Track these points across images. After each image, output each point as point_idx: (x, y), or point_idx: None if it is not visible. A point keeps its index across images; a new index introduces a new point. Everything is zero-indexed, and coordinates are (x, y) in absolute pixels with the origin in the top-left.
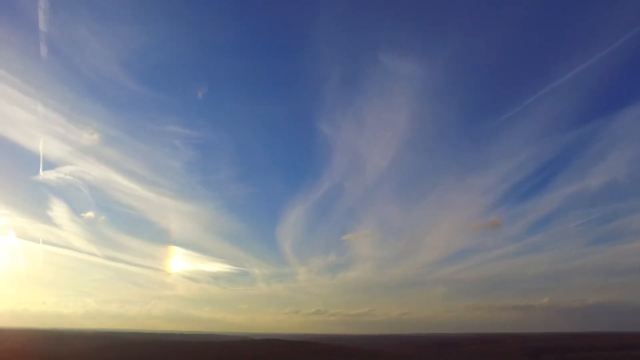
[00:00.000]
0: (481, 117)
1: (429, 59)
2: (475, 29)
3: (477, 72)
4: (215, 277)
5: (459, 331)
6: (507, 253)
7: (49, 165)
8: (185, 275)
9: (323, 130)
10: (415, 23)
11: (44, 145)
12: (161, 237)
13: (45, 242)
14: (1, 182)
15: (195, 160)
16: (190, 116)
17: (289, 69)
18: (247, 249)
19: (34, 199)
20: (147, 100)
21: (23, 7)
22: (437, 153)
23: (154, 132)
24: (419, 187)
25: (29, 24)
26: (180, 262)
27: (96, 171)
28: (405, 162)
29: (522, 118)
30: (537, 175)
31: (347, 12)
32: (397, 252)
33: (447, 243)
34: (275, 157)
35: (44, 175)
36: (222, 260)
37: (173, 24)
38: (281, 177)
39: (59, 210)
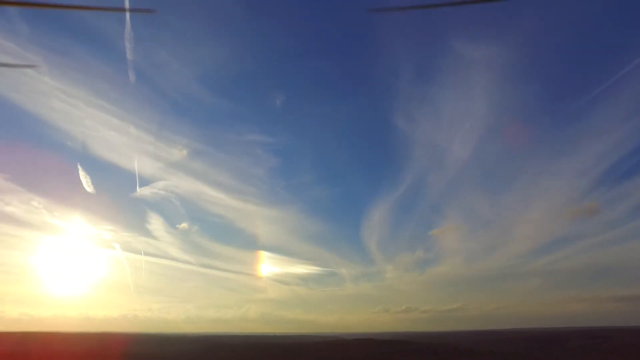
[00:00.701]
0: (566, 96)
1: (504, 40)
2: (552, 1)
3: (557, 49)
4: (304, 279)
5: (560, 325)
6: (608, 240)
7: (144, 181)
8: (275, 278)
9: (400, 125)
10: (485, 3)
11: (138, 163)
12: (250, 243)
13: (146, 254)
14: (105, 200)
15: (276, 166)
16: (268, 123)
17: (360, 66)
18: (333, 250)
19: (134, 214)
20: (227, 112)
21: (112, 40)
22: (520, 137)
23: (235, 143)
24: (504, 174)
25: (118, 55)
26: (269, 266)
27: (186, 184)
28: (488, 150)
29: (611, 94)
30: (635, 154)
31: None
32: (486, 244)
33: (539, 232)
34: (355, 157)
35: (141, 191)
36: (310, 262)
37: (243, 36)
38: (362, 175)
39: (156, 223)
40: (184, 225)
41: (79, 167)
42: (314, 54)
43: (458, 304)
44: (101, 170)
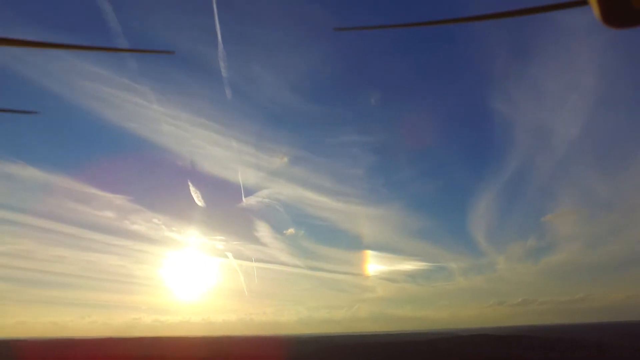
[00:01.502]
0: None
1: None
2: None
3: None
4: (412, 276)
5: None
6: None
7: (249, 191)
8: (383, 276)
9: (499, 109)
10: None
11: (242, 175)
12: (355, 243)
13: (256, 260)
14: (215, 213)
15: (375, 164)
16: (364, 123)
17: (451, 54)
18: (439, 244)
19: (242, 223)
20: (322, 116)
21: (207, 62)
22: (637, 108)
23: (333, 145)
24: (621, 150)
25: (214, 75)
26: (376, 264)
27: (288, 190)
28: (600, 124)
29: None
30: None
31: None
32: (608, 227)
33: None
34: (454, 147)
35: (246, 201)
36: (416, 258)
37: (331, 40)
38: (463, 166)
39: (263, 230)
40: (290, 230)
41: (189, 183)
42: (404, 49)
43: (580, 295)
44: (209, 184)
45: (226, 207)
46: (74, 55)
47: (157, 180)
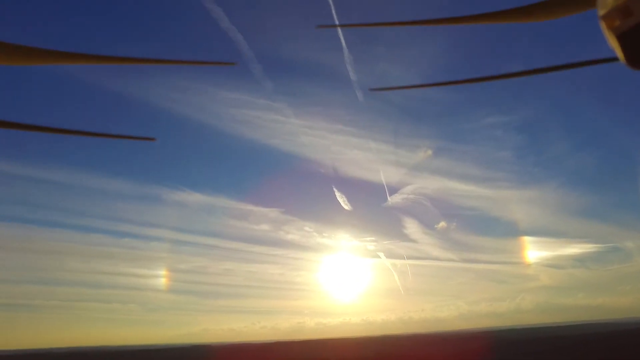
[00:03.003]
0: None
1: None
2: None
3: None
4: (580, 260)
5: None
6: None
7: (392, 190)
8: (546, 263)
9: None
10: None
11: (384, 174)
12: (510, 230)
13: (408, 257)
14: (363, 215)
15: (522, 144)
16: (501, 102)
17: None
18: (610, 222)
19: (390, 222)
20: (457, 103)
21: (334, 68)
22: None
23: (473, 131)
24: None
25: (342, 79)
26: (536, 251)
27: (433, 183)
28: None
29: None
30: None
31: None
32: None
33: None
34: (611, 110)
35: (391, 199)
36: (583, 240)
37: (454, 26)
38: (625, 129)
39: (411, 227)
40: (442, 224)
41: (334, 189)
42: None
43: None
44: (353, 187)
45: (372, 207)
46: (215, 86)
47: (304, 190)
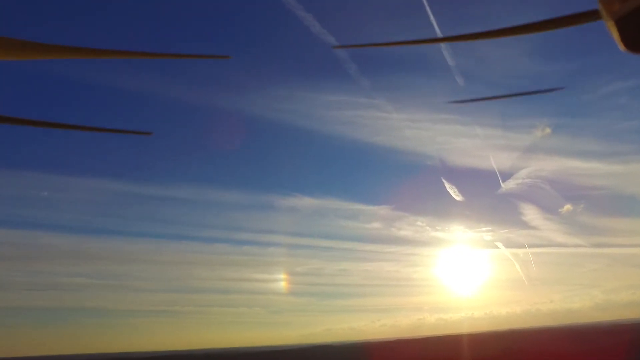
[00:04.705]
0: None
1: None
2: None
3: None
4: None
5: None
6: None
7: (505, 175)
8: None
9: None
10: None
11: (494, 159)
12: None
13: (530, 246)
14: (475, 204)
15: None
16: (623, 66)
17: None
18: None
19: (506, 210)
20: (569, 74)
21: (431, 56)
22: None
23: (592, 102)
24: None
25: (440, 66)
26: None
27: (550, 165)
28: None
29: None
30: None
31: None
32: None
33: None
34: None
35: (505, 186)
36: None
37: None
38: None
39: (530, 213)
40: (567, 207)
41: (443, 180)
42: None
43: None
44: (462, 177)
45: (485, 196)
46: (315, 91)
47: (412, 184)
